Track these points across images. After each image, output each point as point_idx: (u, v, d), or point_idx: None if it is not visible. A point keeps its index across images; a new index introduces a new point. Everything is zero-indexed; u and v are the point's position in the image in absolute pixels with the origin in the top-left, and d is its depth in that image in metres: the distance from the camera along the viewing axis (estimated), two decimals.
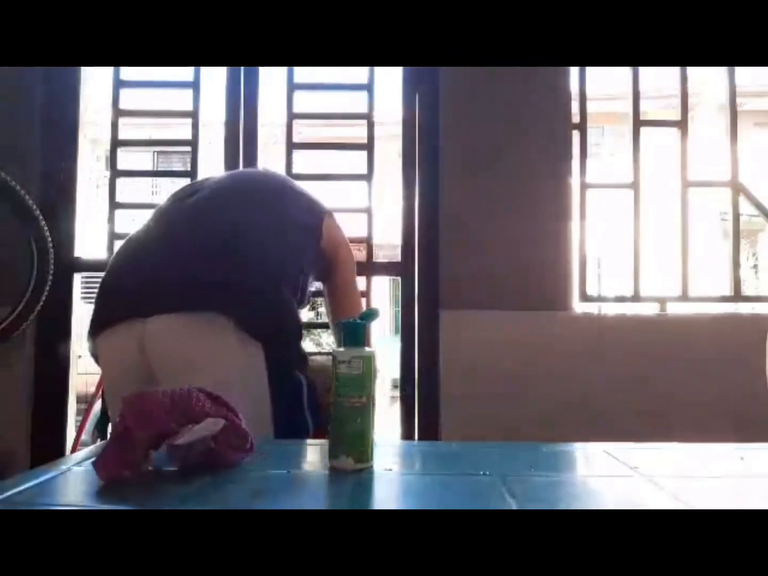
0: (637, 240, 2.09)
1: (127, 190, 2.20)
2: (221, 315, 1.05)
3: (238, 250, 1.11)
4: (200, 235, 1.14)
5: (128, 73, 2.10)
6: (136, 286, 1.11)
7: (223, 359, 1.06)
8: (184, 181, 2.08)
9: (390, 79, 2.16)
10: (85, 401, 2.26)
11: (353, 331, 0.81)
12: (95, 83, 2.19)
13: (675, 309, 2.10)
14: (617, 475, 0.81)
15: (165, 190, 9.87)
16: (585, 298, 2.05)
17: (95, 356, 1.19)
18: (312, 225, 1.32)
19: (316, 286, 1.48)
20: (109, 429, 1.89)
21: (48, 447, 1.98)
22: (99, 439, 2.19)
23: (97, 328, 1.14)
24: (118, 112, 2.10)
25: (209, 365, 1.04)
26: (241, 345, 1.06)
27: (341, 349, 0.79)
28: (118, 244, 2.06)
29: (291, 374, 1.15)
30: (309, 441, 1.37)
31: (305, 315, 1.73)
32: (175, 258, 1.11)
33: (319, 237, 1.33)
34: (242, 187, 1.35)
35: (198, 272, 1.07)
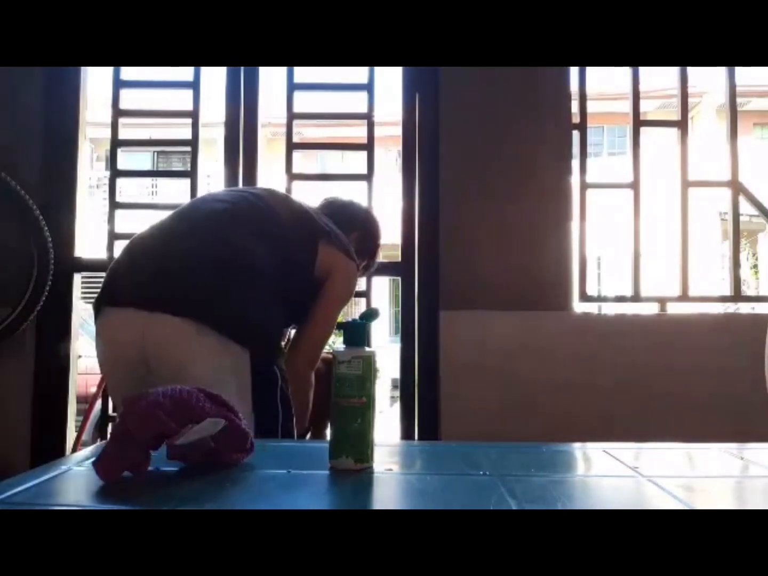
0: (637, 240, 2.09)
1: (126, 190, 2.21)
2: (211, 324, 1.16)
3: (230, 267, 1.23)
4: (203, 249, 1.24)
5: (128, 73, 2.10)
6: (147, 279, 1.21)
7: (208, 363, 1.17)
8: (184, 182, 2.10)
9: (390, 79, 2.16)
10: (85, 401, 2.27)
11: (354, 331, 0.81)
12: (95, 83, 2.19)
13: (675, 309, 2.10)
14: (617, 475, 0.81)
15: (165, 190, 9.89)
16: (585, 298, 2.05)
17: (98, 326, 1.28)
18: (307, 249, 1.37)
19: None
20: (109, 428, 1.90)
21: (48, 447, 1.98)
22: (99, 439, 2.20)
23: (104, 302, 1.24)
24: (118, 112, 2.10)
25: (195, 367, 1.15)
26: (227, 350, 1.18)
27: (341, 349, 0.79)
28: (119, 244, 2.07)
29: (269, 368, 1.24)
30: (309, 441, 1.38)
31: None
32: (182, 266, 1.22)
33: (313, 260, 1.36)
34: (250, 212, 1.37)
35: (196, 283, 1.19)
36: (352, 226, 1.58)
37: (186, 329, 1.15)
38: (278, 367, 1.26)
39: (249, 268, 1.24)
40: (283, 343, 1.41)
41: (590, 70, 2.13)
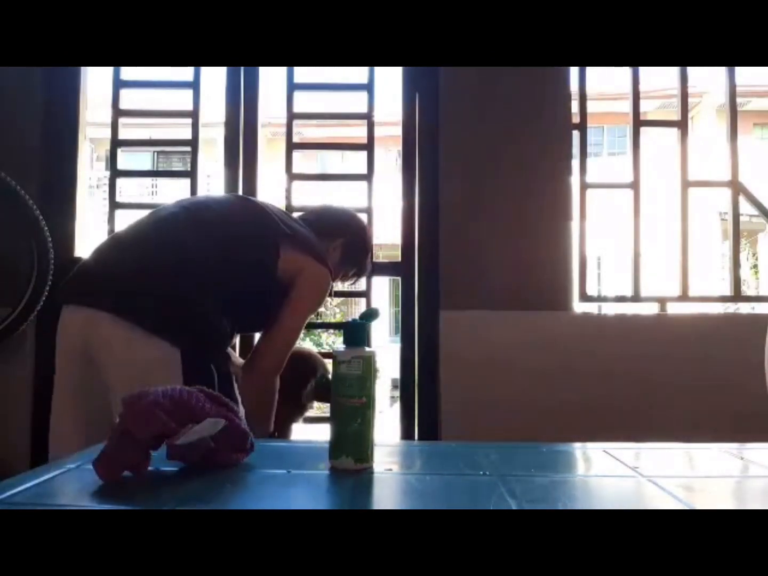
0: (637, 240, 2.09)
1: (126, 190, 2.21)
2: (138, 320, 1.21)
3: (169, 271, 1.27)
4: (150, 254, 1.30)
5: (128, 73, 2.10)
6: (94, 279, 1.30)
7: (137, 359, 1.22)
8: (184, 181, 2.10)
9: (390, 79, 2.17)
10: None
11: (354, 331, 0.80)
12: (95, 83, 2.19)
13: (675, 309, 2.10)
14: (617, 475, 0.81)
15: (165, 190, 9.89)
16: (585, 298, 2.05)
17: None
18: (266, 252, 1.36)
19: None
20: None
21: (48, 447, 1.97)
22: None
23: (61, 300, 1.32)
24: (118, 112, 2.10)
25: (125, 361, 1.22)
26: (155, 345, 1.21)
27: (341, 349, 0.79)
28: None
29: (205, 368, 1.26)
30: (309, 441, 1.38)
31: None
32: (129, 268, 1.28)
33: (275, 263, 1.35)
34: (201, 214, 1.39)
35: (134, 284, 1.25)
36: (336, 233, 1.56)
37: (116, 324, 1.20)
38: (216, 365, 1.27)
39: (185, 266, 1.27)
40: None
41: (590, 70, 2.13)
